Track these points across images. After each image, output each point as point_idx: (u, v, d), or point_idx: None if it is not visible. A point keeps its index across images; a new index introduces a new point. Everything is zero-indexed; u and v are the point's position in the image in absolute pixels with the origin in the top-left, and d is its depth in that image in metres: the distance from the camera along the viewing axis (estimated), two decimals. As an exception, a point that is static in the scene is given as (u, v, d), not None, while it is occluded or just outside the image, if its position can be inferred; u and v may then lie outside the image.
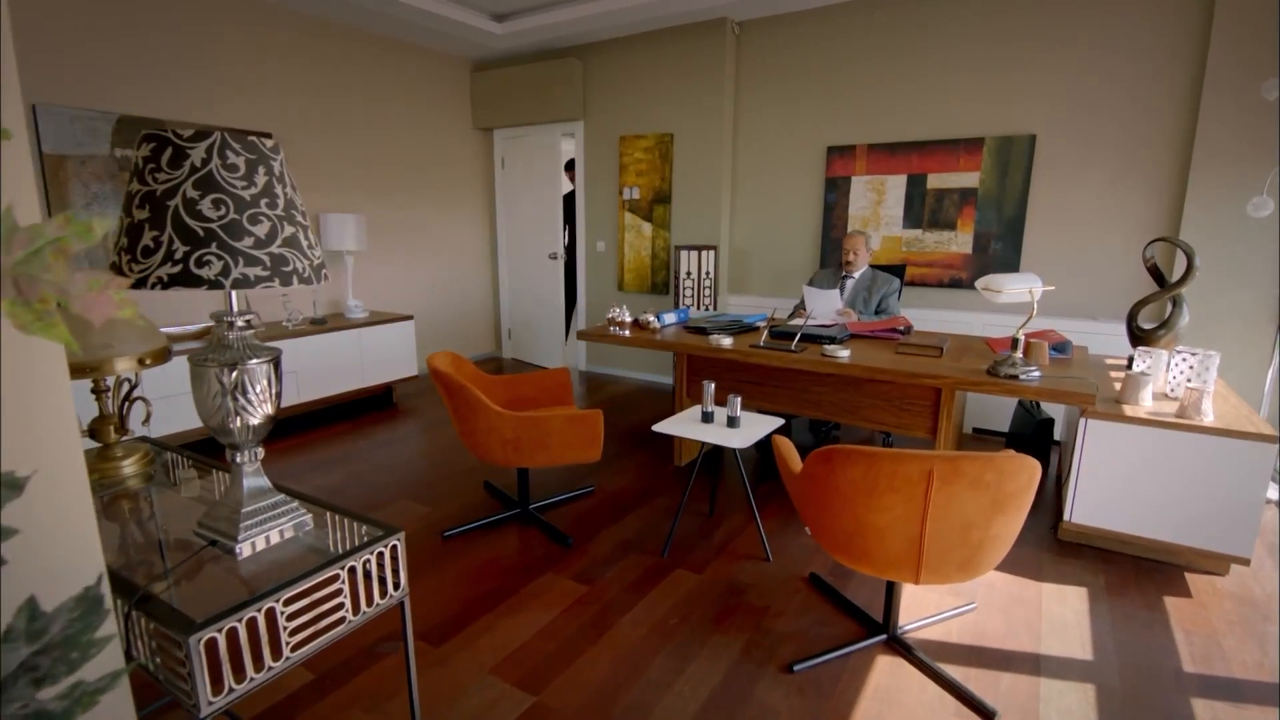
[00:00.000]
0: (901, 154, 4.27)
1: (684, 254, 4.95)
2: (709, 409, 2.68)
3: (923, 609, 2.31)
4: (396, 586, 1.21)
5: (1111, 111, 3.67)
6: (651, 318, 3.48)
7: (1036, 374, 2.51)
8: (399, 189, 5.33)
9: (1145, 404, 2.60)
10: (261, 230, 1.00)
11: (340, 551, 1.15)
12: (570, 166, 5.68)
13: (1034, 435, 3.60)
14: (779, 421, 2.69)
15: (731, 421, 2.62)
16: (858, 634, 2.17)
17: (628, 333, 3.41)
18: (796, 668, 1.99)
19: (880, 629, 2.16)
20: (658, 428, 2.63)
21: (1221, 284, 3.43)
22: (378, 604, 1.18)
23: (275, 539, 1.17)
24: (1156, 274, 3.10)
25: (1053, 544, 2.78)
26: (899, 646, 2.10)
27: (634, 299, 5.43)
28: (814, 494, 1.90)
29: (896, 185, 4.33)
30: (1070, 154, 3.81)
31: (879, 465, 1.71)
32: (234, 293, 1.10)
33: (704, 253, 4.87)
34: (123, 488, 1.46)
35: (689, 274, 4.92)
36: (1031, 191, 3.94)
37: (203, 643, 0.92)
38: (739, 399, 2.60)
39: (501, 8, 4.68)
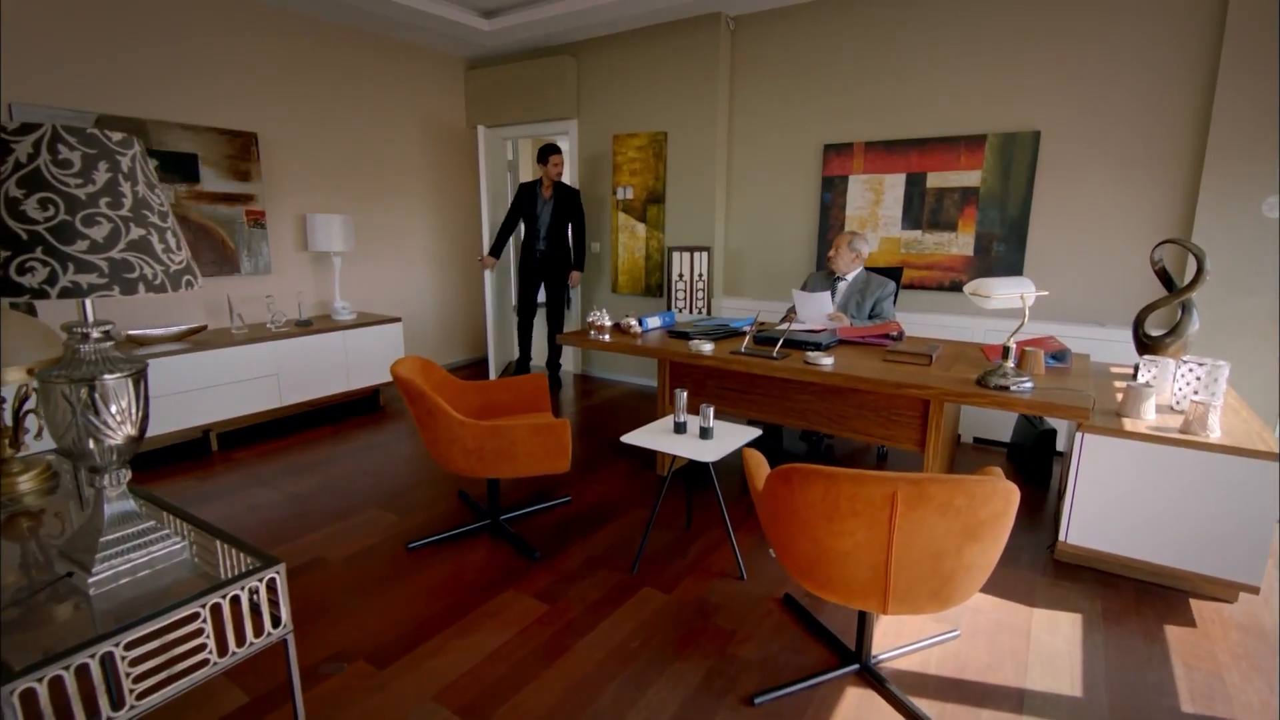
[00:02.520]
0: (900, 152, 4.11)
1: (676, 255, 4.82)
2: (681, 419, 2.56)
3: (901, 636, 2.17)
4: (277, 623, 1.10)
5: (1120, 106, 3.48)
6: (633, 321, 3.36)
7: (1029, 385, 2.35)
8: (392, 189, 5.26)
9: (1147, 418, 2.43)
10: (99, 233, 0.90)
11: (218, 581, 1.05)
12: (545, 154, 4.82)
13: (1035, 446, 3.43)
14: (754, 433, 2.56)
15: (704, 432, 2.50)
16: (829, 662, 2.03)
17: (607, 337, 3.29)
18: (758, 700, 1.86)
19: (852, 658, 2.02)
20: (626, 439, 2.51)
21: (1235, 289, 3.23)
22: (252, 644, 1.07)
23: (144, 570, 1.07)
24: (1165, 278, 2.92)
25: (1049, 565, 2.62)
26: (871, 678, 1.96)
27: (628, 301, 5.31)
28: (775, 514, 1.77)
29: (895, 184, 4.16)
30: (1076, 151, 3.63)
31: (839, 487, 1.57)
32: (88, 301, 1.00)
33: (696, 254, 4.74)
34: (19, 506, 1.37)
35: (681, 276, 4.79)
36: (1035, 191, 3.76)
37: (17, 694, 0.82)
38: (711, 409, 2.47)
39: (490, 4, 4.59)
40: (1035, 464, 3.42)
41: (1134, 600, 2.37)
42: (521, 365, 5.30)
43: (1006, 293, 2.31)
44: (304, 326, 4.28)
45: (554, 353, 5.24)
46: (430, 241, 5.65)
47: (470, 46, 5.29)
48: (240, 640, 1.06)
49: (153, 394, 3.51)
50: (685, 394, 2.54)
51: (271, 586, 1.08)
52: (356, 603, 2.35)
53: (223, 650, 1.03)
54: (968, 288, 2.38)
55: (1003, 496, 1.55)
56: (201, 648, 1.01)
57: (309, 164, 4.66)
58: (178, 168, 3.94)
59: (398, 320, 4.72)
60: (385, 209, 5.23)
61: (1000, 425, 3.87)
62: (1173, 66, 3.34)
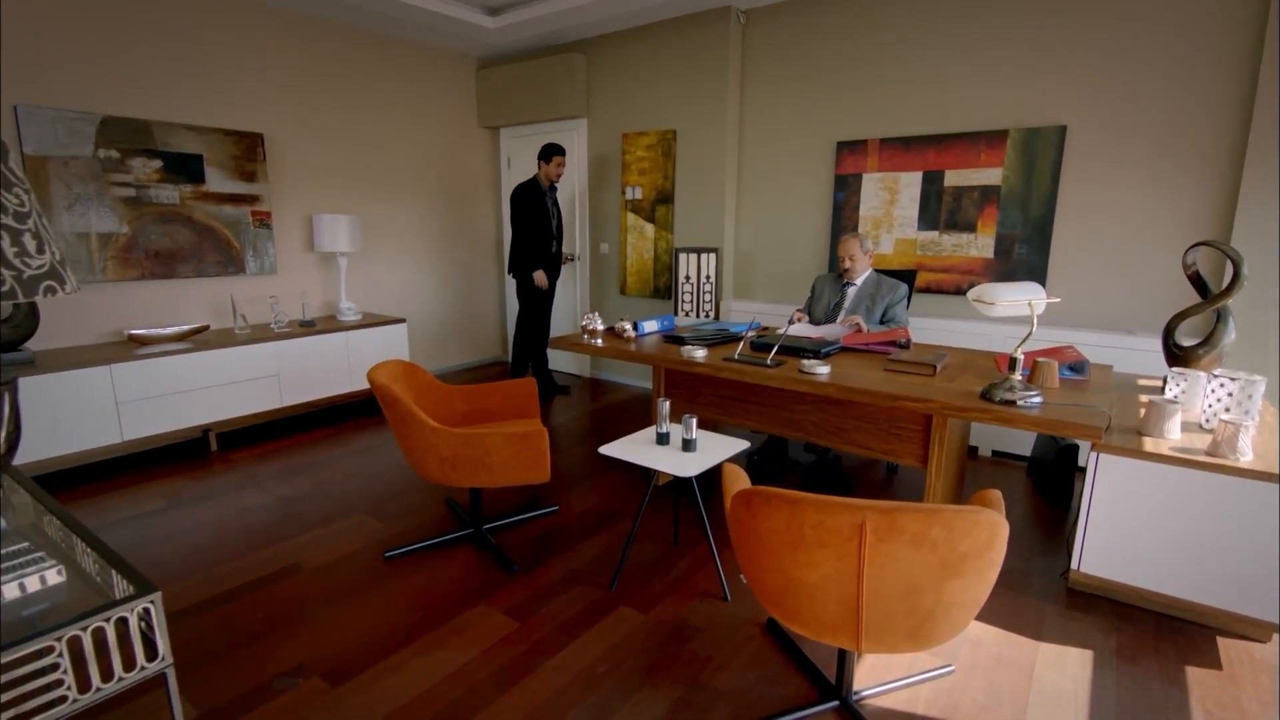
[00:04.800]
0: (917, 149, 3.91)
1: (683, 257, 4.69)
2: (664, 429, 2.43)
3: (890, 670, 2.01)
4: (153, 656, 1.02)
5: (1153, 98, 3.24)
6: (627, 325, 3.25)
7: (1037, 400, 2.16)
8: (401, 189, 5.24)
9: (1172, 437, 2.22)
10: (-69, 235, 0.82)
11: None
12: (551, 153, 4.61)
13: (1056, 462, 3.21)
14: (740, 445, 2.42)
15: (687, 444, 2.37)
16: (807, 697, 1.89)
17: (600, 342, 3.18)
18: (724, 737, 1.73)
19: (833, 693, 1.87)
20: (604, 450, 2.40)
21: (1276, 296, 2.96)
22: (122, 679, 0.99)
23: (12, 593, 1.00)
24: (1199, 283, 2.69)
25: (1061, 593, 2.42)
26: (851, 716, 1.81)
27: (636, 304, 5.20)
28: (741, 539, 1.64)
29: (911, 183, 3.96)
30: (1105, 147, 3.39)
31: (803, 514, 1.44)
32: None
33: (704, 255, 4.60)
34: (-65, 516, 1.32)
35: (688, 278, 4.66)
36: (1061, 189, 3.53)
37: None
38: (694, 419, 2.35)
39: (495, 1, 4.52)
40: (1056, 480, 3.20)
41: (1153, 636, 2.17)
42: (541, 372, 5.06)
43: (1013, 299, 2.13)
44: (307, 327, 4.28)
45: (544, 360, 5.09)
46: (441, 242, 5.62)
47: (480, 46, 5.24)
48: (108, 675, 0.98)
49: (155, 393, 3.53)
50: (668, 403, 2.42)
51: (145, 617, 1.00)
52: (323, 613, 2.28)
53: (84, 687, 0.95)
54: (971, 294, 2.21)
55: (986, 529, 1.39)
56: (58, 684, 0.93)
57: (316, 164, 4.66)
58: (183, 168, 3.96)
59: (402, 321, 4.69)
60: (394, 209, 5.21)
61: (1020, 438, 3.65)
62: (1211, 55, 3.09)
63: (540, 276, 4.67)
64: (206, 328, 3.98)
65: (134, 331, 3.69)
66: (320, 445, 3.96)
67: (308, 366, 4.18)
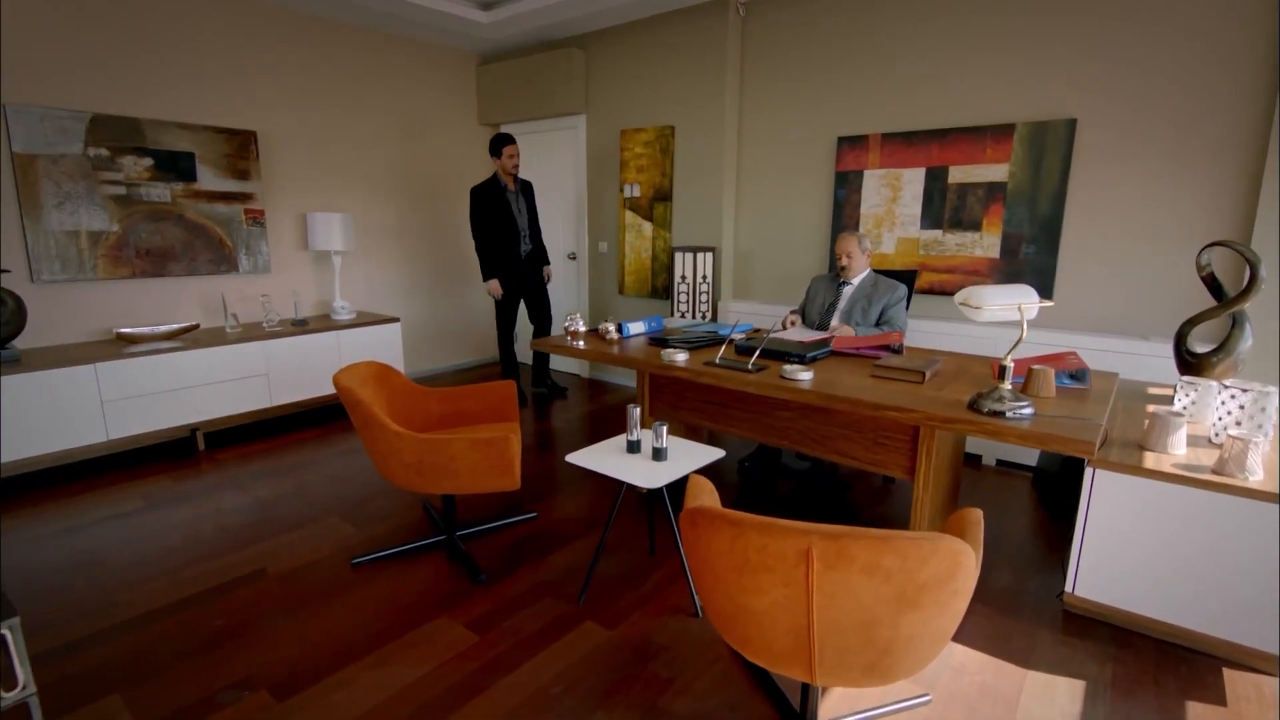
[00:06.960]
0: (920, 144, 3.75)
1: (680, 256, 4.57)
2: (634, 436, 2.33)
3: (862, 698, 1.89)
4: (12, 686, 0.94)
5: (1169, 89, 3.05)
6: (610, 327, 3.15)
7: (1028, 411, 2.02)
8: (399, 187, 5.20)
9: (1176, 452, 2.06)
10: None
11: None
12: (499, 145, 4.31)
13: (1061, 474, 3.06)
14: (716, 454, 2.31)
15: (657, 453, 2.26)
16: (770, 725, 1.78)
17: (583, 344, 3.09)
18: (675, 768, 1.63)
19: (797, 722, 1.76)
20: (571, 458, 2.30)
21: (1301, 300, 2.77)
22: (-28, 714, 0.92)
23: None
24: (1214, 285, 2.51)
25: (1057, 616, 2.27)
26: (814, 749, 1.70)
27: (635, 303, 5.10)
28: (692, 560, 1.54)
29: (914, 179, 3.80)
30: (1118, 141, 3.21)
31: (746, 537, 1.33)
32: None
33: (701, 255, 4.48)
34: None
35: (684, 278, 4.54)
36: (1070, 186, 3.35)
37: None
38: (664, 426, 2.24)
39: (489, -5, 4.45)
40: (1061, 493, 3.04)
41: (1153, 666, 2.02)
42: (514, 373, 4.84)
43: (1001, 304, 1.99)
44: (299, 326, 4.25)
45: (546, 360, 4.98)
46: (439, 240, 5.57)
47: (478, 42, 5.17)
48: (-45, 711, 0.91)
49: (142, 392, 3.52)
50: (638, 409, 2.32)
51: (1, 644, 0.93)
52: (281, 622, 2.22)
53: (-76, 724, 0.88)
54: (958, 298, 2.07)
55: (947, 558, 1.27)
56: (-108, 722, 0.86)
57: (310, 162, 4.63)
58: (174, 167, 3.95)
59: (395, 321, 4.65)
60: (391, 207, 5.17)
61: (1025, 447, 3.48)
62: (1229, 42, 2.89)
63: (494, 286, 4.42)
64: (196, 326, 3.97)
65: (122, 330, 3.69)
66: (306, 446, 3.92)
67: (298, 366, 4.15)
